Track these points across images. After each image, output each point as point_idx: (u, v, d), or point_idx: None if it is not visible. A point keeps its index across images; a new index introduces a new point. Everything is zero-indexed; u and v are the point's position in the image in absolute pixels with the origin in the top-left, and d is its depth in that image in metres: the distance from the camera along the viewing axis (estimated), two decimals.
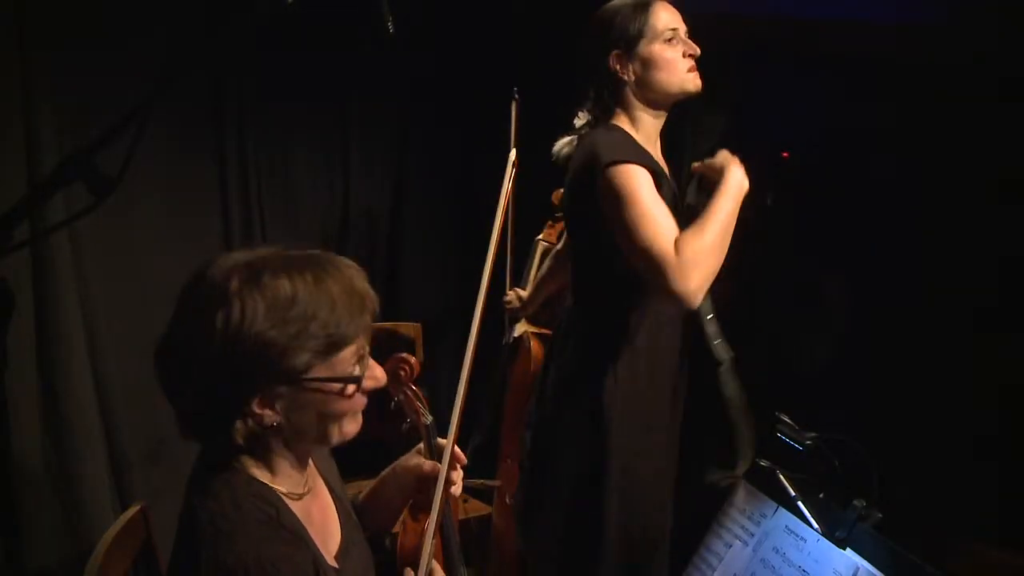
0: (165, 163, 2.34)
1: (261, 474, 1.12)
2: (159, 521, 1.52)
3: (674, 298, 1.60)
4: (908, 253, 2.73)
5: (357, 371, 1.10)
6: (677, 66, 1.77)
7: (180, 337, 1.05)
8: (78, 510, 2.05)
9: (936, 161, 2.62)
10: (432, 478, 1.32)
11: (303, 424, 1.10)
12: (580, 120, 1.87)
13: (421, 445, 1.43)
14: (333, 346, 1.07)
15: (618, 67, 1.77)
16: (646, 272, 1.62)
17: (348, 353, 1.09)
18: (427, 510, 1.31)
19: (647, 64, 1.76)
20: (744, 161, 1.73)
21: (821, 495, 1.56)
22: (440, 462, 1.33)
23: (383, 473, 1.44)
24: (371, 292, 1.12)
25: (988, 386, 2.45)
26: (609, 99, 1.81)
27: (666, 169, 1.83)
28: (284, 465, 1.15)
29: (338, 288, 1.08)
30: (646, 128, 1.82)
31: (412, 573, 1.25)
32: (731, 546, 1.59)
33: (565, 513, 1.82)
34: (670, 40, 1.76)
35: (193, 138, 2.48)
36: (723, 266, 1.63)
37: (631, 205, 1.62)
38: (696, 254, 1.58)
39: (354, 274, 1.11)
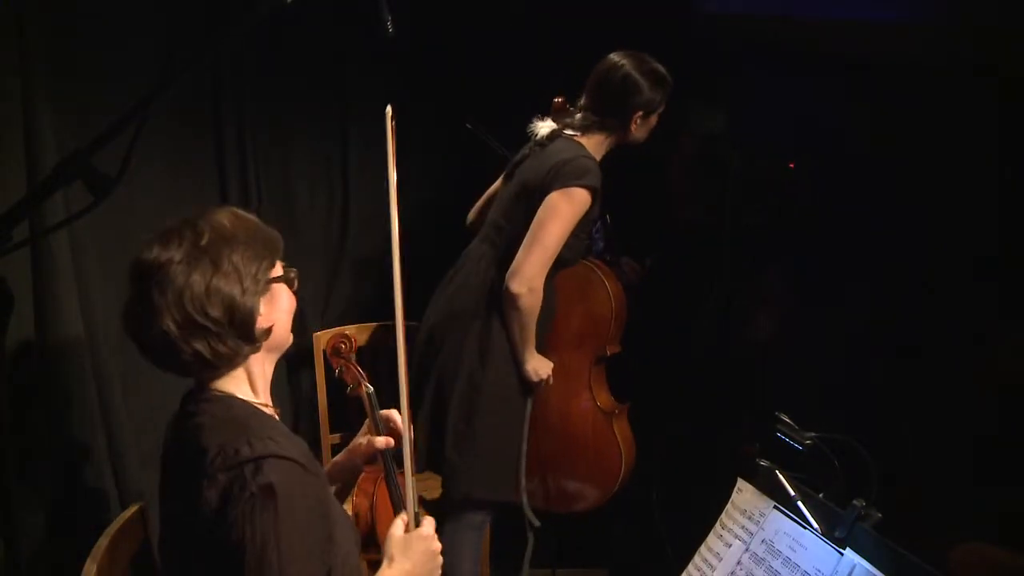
0: (165, 163, 2.34)
1: (244, 392, 1.36)
2: (158, 522, 1.52)
3: (510, 280, 2.17)
4: (909, 253, 2.73)
5: (292, 274, 1.42)
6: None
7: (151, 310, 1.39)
8: (78, 510, 2.06)
9: (936, 160, 2.62)
10: (381, 450, 1.56)
11: (279, 322, 1.37)
12: (573, 122, 2.31)
13: (367, 422, 1.63)
14: (271, 255, 1.38)
15: (634, 122, 2.28)
16: (521, 260, 2.15)
17: (279, 266, 1.40)
18: (383, 476, 1.59)
19: (643, 131, 2.34)
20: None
21: (821, 495, 1.56)
22: (383, 432, 1.58)
23: (337, 457, 1.67)
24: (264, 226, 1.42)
25: (989, 385, 2.45)
26: (607, 127, 2.29)
27: None
28: (260, 379, 1.38)
29: (242, 234, 1.35)
30: (602, 155, 2.31)
31: (405, 517, 1.45)
32: (731, 546, 1.59)
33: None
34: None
35: (192, 138, 2.48)
36: None
37: (561, 224, 2.15)
38: (538, 294, 2.19)
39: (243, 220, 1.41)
